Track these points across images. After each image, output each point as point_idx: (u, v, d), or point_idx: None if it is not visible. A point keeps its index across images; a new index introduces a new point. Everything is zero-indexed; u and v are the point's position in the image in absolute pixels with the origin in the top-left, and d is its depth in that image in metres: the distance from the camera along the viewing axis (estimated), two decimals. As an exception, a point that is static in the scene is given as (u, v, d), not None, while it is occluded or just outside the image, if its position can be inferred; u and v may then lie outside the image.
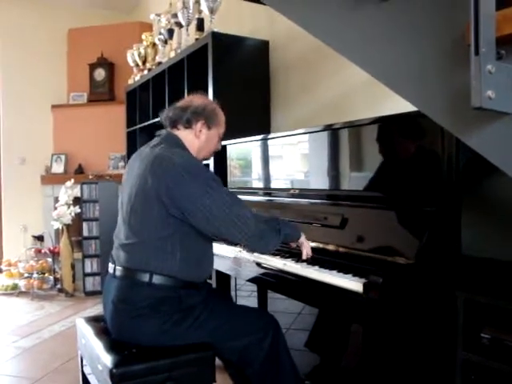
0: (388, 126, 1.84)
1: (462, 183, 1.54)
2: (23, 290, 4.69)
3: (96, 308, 4.21)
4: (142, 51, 4.61)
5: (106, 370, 1.63)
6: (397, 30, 0.97)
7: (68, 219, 4.69)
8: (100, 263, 4.66)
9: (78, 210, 4.71)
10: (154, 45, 4.48)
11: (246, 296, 2.89)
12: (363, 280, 1.54)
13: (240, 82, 3.27)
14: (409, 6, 0.96)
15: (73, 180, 4.87)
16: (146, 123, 4.45)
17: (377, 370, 1.79)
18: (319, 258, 1.83)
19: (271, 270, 1.98)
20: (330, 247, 1.85)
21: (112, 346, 1.76)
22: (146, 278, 1.71)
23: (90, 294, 4.67)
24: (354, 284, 1.55)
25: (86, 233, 4.72)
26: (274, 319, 1.87)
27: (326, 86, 2.92)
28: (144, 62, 4.63)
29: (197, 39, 3.46)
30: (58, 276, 4.84)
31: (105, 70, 5.71)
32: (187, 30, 3.66)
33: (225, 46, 3.24)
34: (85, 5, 5.98)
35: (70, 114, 5.74)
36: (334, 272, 1.68)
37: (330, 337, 2.26)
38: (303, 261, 1.85)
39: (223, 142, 2.59)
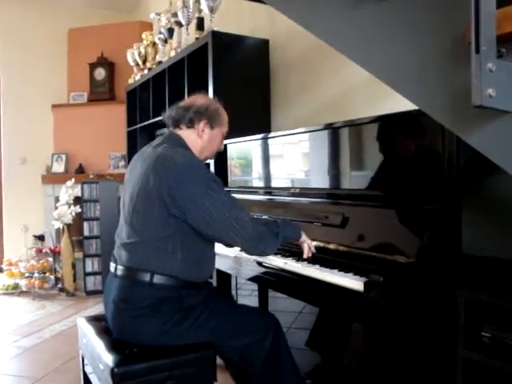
0: (388, 124, 1.84)
1: (462, 182, 1.54)
2: (24, 289, 4.69)
3: (97, 307, 4.21)
4: (142, 50, 4.61)
5: (108, 370, 1.63)
6: (397, 28, 0.97)
7: (69, 219, 4.70)
8: (101, 263, 4.66)
9: (79, 210, 4.71)
10: (154, 44, 4.48)
11: (247, 295, 2.89)
12: (364, 279, 1.53)
13: (240, 81, 3.27)
14: (409, 4, 0.96)
15: (73, 179, 4.87)
16: (146, 122, 4.45)
17: (378, 369, 1.80)
18: (320, 257, 1.83)
19: (272, 269, 1.98)
20: (331, 246, 1.85)
21: (113, 345, 1.76)
22: (147, 277, 1.72)
23: (91, 293, 4.67)
24: (354, 283, 1.55)
25: (86, 232, 4.72)
26: (274, 318, 1.87)
27: (327, 85, 2.92)
28: (144, 62, 4.63)
29: (197, 38, 3.46)
30: (59, 275, 4.85)
31: (105, 70, 5.71)
32: (187, 29, 3.65)
33: (225, 45, 3.24)
34: (85, 4, 5.98)
35: (71, 114, 5.74)
36: (335, 271, 1.68)
37: (331, 336, 2.26)
38: (304, 260, 1.85)
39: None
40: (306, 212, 2.11)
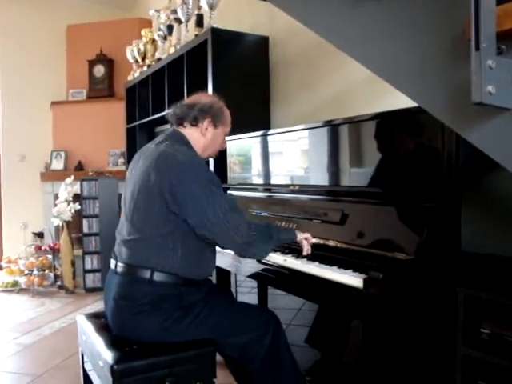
0: (388, 121, 1.84)
1: (461, 179, 1.54)
2: (23, 286, 4.70)
3: (96, 305, 4.22)
4: (142, 47, 4.60)
5: (107, 367, 1.63)
6: (397, 26, 0.97)
7: (68, 216, 4.70)
8: (100, 260, 4.67)
9: (78, 207, 4.71)
10: (153, 41, 4.47)
11: (247, 292, 2.89)
12: (363, 276, 1.54)
13: (240, 78, 3.27)
14: (409, 2, 0.96)
15: (72, 177, 4.87)
16: (145, 119, 4.45)
17: (377, 366, 1.80)
18: (319, 254, 1.83)
19: (271, 266, 1.98)
20: (330, 243, 1.85)
21: (113, 342, 1.76)
22: (147, 274, 1.72)
23: (91, 290, 4.68)
24: (354, 280, 1.55)
25: (86, 229, 4.73)
26: (274, 316, 1.88)
27: (326, 82, 2.92)
28: (143, 59, 4.62)
29: (196, 35, 3.46)
30: (59, 273, 4.85)
31: (104, 67, 5.70)
32: (187, 25, 3.65)
33: (224, 41, 3.23)
34: (83, 1, 5.96)
35: (70, 111, 5.72)
36: (335, 268, 1.69)
37: (331, 333, 2.26)
38: (303, 257, 1.86)
39: (223, 139, 2.58)
40: (306, 209, 2.11)
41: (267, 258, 1.98)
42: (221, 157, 2.52)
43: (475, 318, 1.47)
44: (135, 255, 1.76)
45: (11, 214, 5.71)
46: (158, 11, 4.17)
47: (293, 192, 2.31)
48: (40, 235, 5.52)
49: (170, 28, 3.99)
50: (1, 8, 5.59)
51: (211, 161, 3.12)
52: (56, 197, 5.01)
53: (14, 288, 4.72)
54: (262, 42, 3.38)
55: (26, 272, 4.79)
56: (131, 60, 4.77)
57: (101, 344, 1.76)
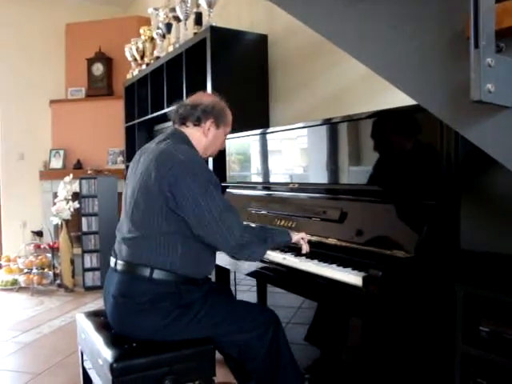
0: (387, 119, 1.84)
1: (461, 177, 1.54)
2: (23, 285, 4.69)
3: (96, 303, 4.22)
4: (140, 46, 4.60)
5: (107, 365, 1.63)
6: (396, 24, 0.97)
7: (67, 214, 4.69)
8: (99, 258, 4.67)
9: (77, 206, 4.71)
10: (152, 39, 4.47)
11: (246, 290, 2.90)
12: (363, 274, 1.54)
13: (239, 76, 3.26)
14: (408, 0, 0.96)
15: (71, 175, 4.86)
16: (144, 118, 4.45)
17: (376, 364, 1.80)
18: (318, 252, 1.83)
19: (271, 264, 1.98)
20: (330, 241, 1.85)
21: (112, 340, 1.76)
22: (146, 272, 1.72)
23: (90, 289, 4.68)
24: (353, 278, 1.56)
25: (85, 228, 4.72)
26: (274, 314, 1.88)
27: (325, 80, 2.92)
28: (142, 57, 4.62)
29: (195, 33, 3.45)
30: (58, 271, 4.85)
31: (103, 65, 5.68)
32: (185, 24, 3.64)
33: (223, 40, 3.23)
34: (82, 0, 5.95)
35: (69, 109, 5.72)
36: (334, 266, 1.69)
37: (330, 331, 2.26)
38: (303, 255, 1.86)
39: (222, 137, 2.58)
40: (305, 207, 2.11)
41: (266, 256, 1.97)
42: (220, 155, 2.51)
43: (474, 316, 1.47)
44: (135, 253, 1.76)
45: (10, 212, 5.71)
46: (156, 9, 4.17)
47: (292, 190, 2.31)
48: (39, 234, 5.52)
49: (168, 26, 3.98)
50: (0, 6, 5.57)
51: (210, 159, 3.11)
52: (55, 195, 5.01)
53: (14, 286, 4.72)
54: (261, 40, 3.38)
55: (26, 270, 4.79)
56: (130, 58, 4.77)
57: (100, 342, 1.77)
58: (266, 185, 2.58)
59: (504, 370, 1.38)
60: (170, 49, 3.85)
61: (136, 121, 4.67)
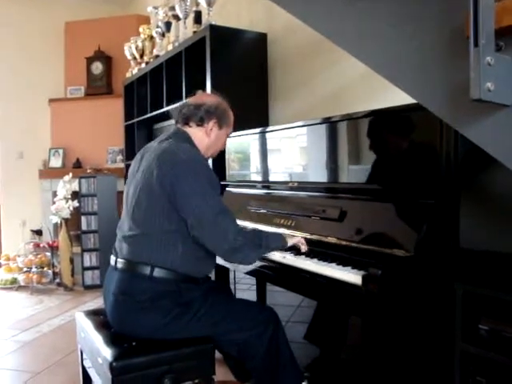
0: (387, 118, 1.84)
1: (460, 176, 1.54)
2: (22, 284, 4.69)
3: (95, 302, 4.22)
4: (140, 44, 4.59)
5: (106, 363, 1.63)
6: (396, 23, 0.97)
7: (66, 213, 4.69)
8: (99, 257, 4.67)
9: (77, 204, 4.71)
10: (151, 38, 4.46)
11: (246, 289, 2.90)
12: (362, 272, 1.54)
13: (238, 75, 3.26)
14: (408, -2, 0.96)
15: (71, 174, 4.85)
16: (143, 116, 4.44)
17: (376, 362, 1.80)
18: (318, 251, 1.84)
19: (270, 262, 1.98)
20: (329, 240, 1.85)
21: (112, 339, 1.76)
22: (147, 270, 1.72)
23: (89, 287, 4.68)
24: (353, 276, 1.56)
25: (84, 227, 4.72)
26: (273, 313, 1.88)
27: (325, 79, 2.91)
28: (141, 56, 4.61)
29: (194, 32, 3.45)
30: (57, 270, 4.85)
31: (102, 64, 5.68)
32: (185, 22, 3.64)
33: (222, 38, 3.23)
34: (81, -2, 5.96)
35: (68, 108, 5.71)
36: (333, 264, 1.69)
37: (329, 329, 2.27)
38: (302, 253, 1.86)
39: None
40: (304, 206, 2.11)
41: (266, 255, 1.98)
42: (219, 154, 2.52)
43: (474, 314, 1.47)
44: (136, 251, 1.76)
45: (10, 211, 5.70)
46: (156, 8, 4.16)
47: (291, 189, 2.31)
48: (38, 233, 5.52)
49: (168, 25, 3.98)
50: (-1, 5, 5.57)
51: (209, 159, 3.11)
52: (54, 194, 5.01)
53: (13, 285, 4.72)
54: (260, 39, 3.38)
55: (25, 269, 4.79)
56: (129, 57, 4.77)
57: (100, 341, 1.77)
58: (266, 183, 2.58)
59: (503, 368, 1.38)
60: (170, 47, 3.85)
61: (135, 119, 4.66)
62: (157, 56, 4.17)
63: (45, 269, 4.85)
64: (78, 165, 5.55)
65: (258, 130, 2.64)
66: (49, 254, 4.95)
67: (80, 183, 4.69)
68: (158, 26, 4.10)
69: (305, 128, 2.29)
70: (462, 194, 1.53)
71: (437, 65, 0.94)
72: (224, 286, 2.28)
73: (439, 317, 1.53)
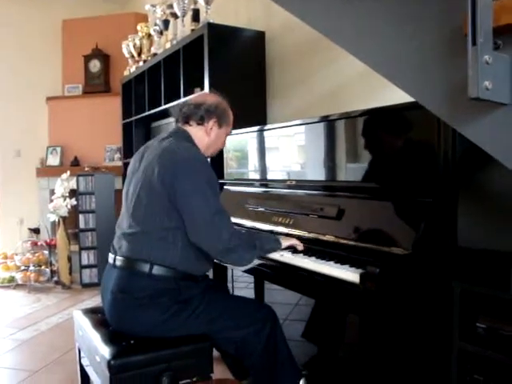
0: (385, 117, 1.84)
1: (458, 174, 1.54)
2: (20, 282, 4.69)
3: (93, 300, 4.22)
4: (138, 42, 4.58)
5: (104, 362, 1.63)
6: (395, 21, 0.97)
7: (64, 211, 4.68)
8: (96, 255, 4.66)
9: (74, 203, 4.70)
10: (149, 36, 4.45)
11: (243, 287, 2.90)
12: (360, 270, 1.54)
13: (236, 73, 3.26)
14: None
15: (68, 172, 4.84)
16: (141, 115, 4.44)
17: (374, 360, 1.81)
18: (316, 249, 1.84)
19: (268, 261, 1.98)
20: (327, 238, 1.86)
21: (110, 337, 1.76)
22: (146, 268, 1.72)
23: (87, 286, 4.67)
24: (350, 275, 1.56)
25: (82, 225, 4.71)
26: (271, 310, 1.88)
27: (323, 77, 2.91)
28: (139, 54, 4.60)
29: (192, 30, 3.45)
30: (55, 268, 4.84)
31: (100, 62, 5.66)
32: (183, 20, 3.64)
33: (221, 36, 3.23)
34: (79, -5, 5.94)
35: (66, 106, 5.69)
36: (331, 263, 1.69)
37: (327, 327, 2.27)
38: (300, 252, 1.86)
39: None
40: (302, 204, 2.11)
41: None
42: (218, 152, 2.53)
43: (471, 313, 1.47)
44: (135, 248, 1.76)
45: (7, 209, 5.69)
46: (153, 6, 4.15)
47: (289, 187, 2.31)
48: (36, 231, 5.51)
49: (166, 23, 3.97)
50: (-4, 2, 5.55)
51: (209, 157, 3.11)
52: (52, 192, 5.00)
53: (11, 284, 4.71)
54: (259, 37, 3.38)
55: (23, 268, 4.78)
56: (127, 55, 4.76)
57: (97, 339, 1.76)
58: (264, 182, 2.58)
59: (500, 366, 1.39)
60: (168, 45, 3.84)
61: (133, 118, 4.66)
62: (155, 54, 4.16)
63: (42, 267, 4.84)
64: (75, 163, 5.54)
65: (255, 128, 2.64)
66: (46, 252, 4.94)
67: (78, 181, 4.68)
68: (155, 24, 4.09)
69: (303, 126, 2.29)
70: (459, 193, 1.53)
71: (436, 64, 0.94)
72: (222, 285, 2.29)
73: (437, 315, 1.53)
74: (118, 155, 5.50)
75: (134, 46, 4.61)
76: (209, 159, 3.04)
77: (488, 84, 0.82)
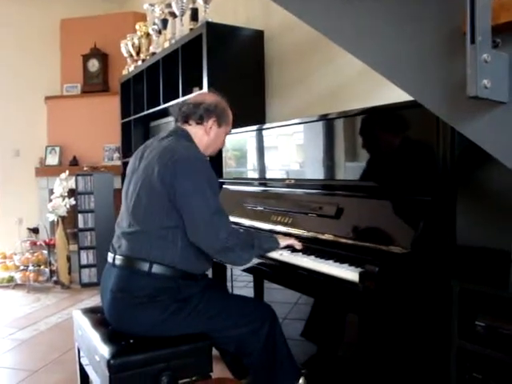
0: (383, 115, 1.84)
1: (457, 173, 1.54)
2: (19, 282, 4.68)
3: (92, 299, 4.21)
4: (136, 41, 4.58)
5: (104, 361, 1.63)
6: (394, 21, 0.97)
7: (63, 211, 4.68)
8: (96, 255, 4.66)
9: (73, 202, 4.70)
10: (148, 35, 4.45)
11: (243, 286, 2.90)
12: (359, 269, 1.54)
13: (235, 72, 3.26)
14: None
15: (67, 172, 4.84)
16: (140, 114, 4.44)
17: (373, 359, 1.81)
18: (315, 248, 1.84)
19: (267, 260, 1.98)
20: (326, 237, 1.86)
21: (109, 336, 1.76)
22: (145, 267, 1.72)
23: (86, 285, 4.67)
24: (350, 273, 1.56)
25: (81, 225, 4.70)
26: (270, 309, 1.88)
27: (322, 76, 2.91)
28: (138, 53, 4.60)
29: (191, 29, 3.44)
30: (54, 268, 4.83)
31: (98, 61, 5.66)
32: (181, 19, 3.63)
33: (219, 35, 3.22)
34: (77, -5, 5.93)
35: (64, 106, 5.69)
36: (330, 262, 1.69)
37: (326, 326, 2.27)
38: (299, 251, 1.86)
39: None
40: (301, 203, 2.11)
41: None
42: (216, 151, 2.53)
43: (470, 311, 1.47)
44: (134, 247, 1.76)
45: (6, 209, 5.68)
46: (152, 5, 4.15)
47: (288, 186, 2.31)
48: (35, 231, 5.51)
49: (164, 22, 3.97)
50: (-6, 2, 5.54)
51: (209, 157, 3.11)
52: (51, 192, 4.99)
53: (10, 283, 4.71)
54: (257, 36, 3.38)
55: (22, 267, 4.77)
56: (126, 54, 4.75)
57: (97, 339, 1.76)
58: (263, 181, 2.58)
59: (500, 364, 1.39)
60: (166, 45, 3.84)
61: (132, 117, 4.66)
62: (153, 53, 4.16)
63: (41, 267, 4.83)
64: (74, 162, 5.53)
65: (254, 127, 2.64)
66: (45, 252, 4.94)
67: (77, 181, 4.67)
68: (154, 23, 4.09)
69: (301, 125, 2.29)
70: (458, 191, 1.53)
71: (436, 64, 0.94)
72: (221, 284, 2.29)
73: (436, 313, 1.53)
74: (116, 155, 5.50)
75: (133, 45, 4.60)
76: (208, 158, 3.07)
77: (487, 82, 0.82)
